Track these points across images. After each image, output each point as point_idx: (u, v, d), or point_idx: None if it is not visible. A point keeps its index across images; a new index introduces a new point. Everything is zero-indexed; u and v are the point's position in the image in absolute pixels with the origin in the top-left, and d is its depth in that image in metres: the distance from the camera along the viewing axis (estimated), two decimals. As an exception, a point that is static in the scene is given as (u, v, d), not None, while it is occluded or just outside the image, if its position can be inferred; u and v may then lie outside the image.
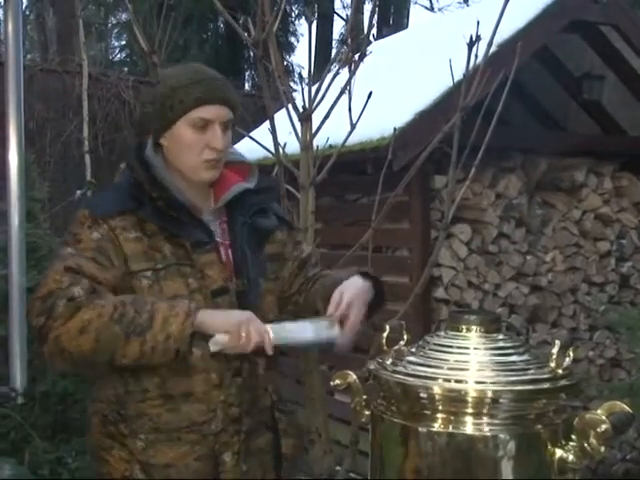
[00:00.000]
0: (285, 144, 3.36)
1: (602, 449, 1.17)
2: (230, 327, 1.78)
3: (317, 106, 3.15)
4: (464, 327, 1.33)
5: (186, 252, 1.93)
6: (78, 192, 5.07)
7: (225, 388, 1.93)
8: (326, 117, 3.20)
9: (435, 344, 1.32)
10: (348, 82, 3.15)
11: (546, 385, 1.24)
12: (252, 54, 2.89)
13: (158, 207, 1.92)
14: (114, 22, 15.91)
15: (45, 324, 1.78)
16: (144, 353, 1.76)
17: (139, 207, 1.91)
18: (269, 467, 2.05)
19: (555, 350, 1.27)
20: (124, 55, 15.55)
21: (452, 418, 1.22)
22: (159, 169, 1.96)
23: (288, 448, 2.08)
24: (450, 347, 1.30)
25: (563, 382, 1.25)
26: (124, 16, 13.93)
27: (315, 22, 14.45)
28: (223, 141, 1.93)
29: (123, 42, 15.61)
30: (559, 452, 1.21)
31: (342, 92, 3.22)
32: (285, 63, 13.73)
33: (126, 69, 13.16)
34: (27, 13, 15.46)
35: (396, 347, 1.39)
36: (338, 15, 15.64)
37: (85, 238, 1.88)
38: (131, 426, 1.91)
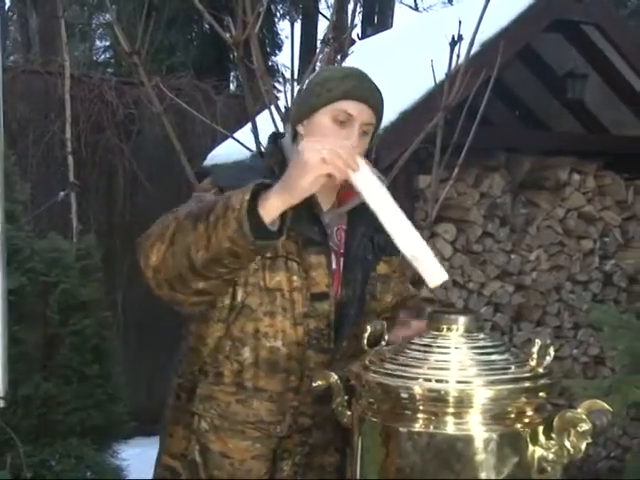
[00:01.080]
0: (268, 144, 3.35)
1: (582, 447, 1.18)
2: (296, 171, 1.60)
3: (300, 106, 3.14)
4: (445, 327, 1.33)
5: (297, 248, 1.87)
6: (61, 193, 5.02)
7: (301, 395, 1.86)
8: (309, 117, 3.18)
9: (416, 343, 1.32)
10: (331, 82, 3.14)
11: (526, 384, 1.24)
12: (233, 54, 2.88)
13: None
14: (98, 23, 15.85)
15: (140, 256, 1.72)
16: (210, 237, 1.61)
17: (263, 188, 1.72)
18: None
19: (535, 349, 1.27)
20: (108, 56, 15.49)
21: (433, 418, 1.23)
22: (291, 156, 1.85)
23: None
24: (431, 347, 1.30)
25: (543, 381, 1.26)
26: (108, 17, 13.88)
27: (300, 22, 14.44)
28: (358, 141, 1.86)
29: (107, 43, 15.55)
30: (539, 451, 1.21)
31: (325, 92, 3.21)
32: (270, 63, 13.72)
33: (110, 70, 13.11)
34: (9, 14, 15.38)
35: (377, 347, 1.39)
36: (322, 15, 15.62)
37: (208, 199, 1.77)
38: (199, 406, 1.88)
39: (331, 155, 1.57)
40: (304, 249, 1.87)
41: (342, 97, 1.86)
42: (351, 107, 1.87)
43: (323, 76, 1.95)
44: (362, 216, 1.89)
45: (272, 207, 1.60)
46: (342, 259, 1.93)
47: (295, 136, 1.95)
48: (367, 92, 1.90)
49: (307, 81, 1.99)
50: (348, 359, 1.83)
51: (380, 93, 1.94)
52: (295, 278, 1.85)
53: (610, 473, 5.24)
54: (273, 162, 1.91)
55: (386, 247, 1.92)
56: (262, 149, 1.99)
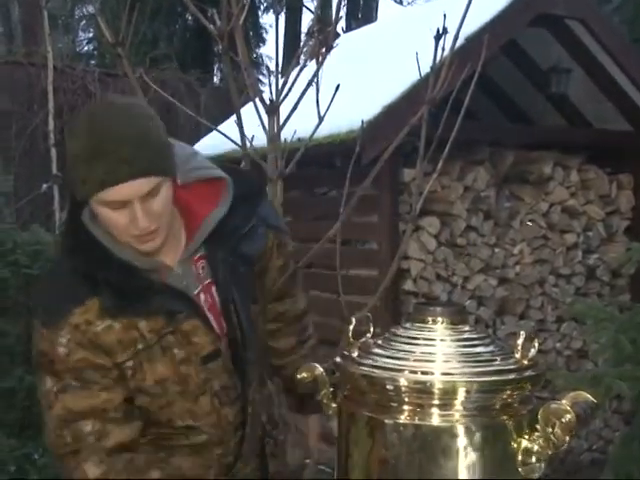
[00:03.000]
0: (253, 137, 3.34)
1: (567, 439, 1.18)
2: None
3: (284, 98, 3.14)
4: (430, 319, 1.33)
5: (164, 321, 1.69)
6: (44, 185, 5.01)
7: (225, 443, 1.80)
8: (293, 109, 3.18)
9: (401, 336, 1.32)
10: (315, 74, 3.14)
11: (511, 376, 1.24)
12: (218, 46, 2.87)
13: (116, 289, 1.64)
14: (81, 14, 15.76)
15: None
16: None
17: (95, 292, 1.63)
18: None
19: (520, 341, 1.27)
20: (92, 48, 15.40)
21: (418, 410, 1.22)
22: (103, 239, 1.66)
23: (274, 468, 1.99)
24: (416, 339, 1.30)
25: (528, 373, 1.26)
26: (91, 8, 13.79)
27: (284, 15, 14.41)
28: (147, 219, 1.59)
29: (90, 34, 15.46)
30: (524, 442, 1.21)
31: (309, 84, 3.20)
32: (255, 56, 13.68)
33: (93, 62, 13.03)
34: (-9, 4, 15.27)
35: (362, 339, 1.39)
36: (307, 8, 15.60)
37: (57, 358, 1.64)
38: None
39: None
40: (172, 321, 1.69)
41: (100, 188, 1.54)
42: (115, 194, 1.55)
43: (73, 155, 1.57)
44: (217, 238, 1.74)
45: None
46: (214, 287, 1.77)
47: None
48: (126, 169, 1.53)
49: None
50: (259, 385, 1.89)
51: (141, 143, 1.55)
52: (176, 351, 1.70)
53: (592, 465, 5.28)
54: (86, 263, 1.66)
55: (255, 254, 1.82)
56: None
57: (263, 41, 14.96)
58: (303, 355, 2.08)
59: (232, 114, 4.35)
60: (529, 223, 5.34)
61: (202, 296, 1.77)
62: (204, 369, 1.73)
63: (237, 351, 1.80)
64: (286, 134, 3.24)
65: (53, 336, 1.64)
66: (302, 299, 2.14)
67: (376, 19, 15.78)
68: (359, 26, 8.03)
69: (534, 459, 1.21)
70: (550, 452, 1.20)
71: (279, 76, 3.23)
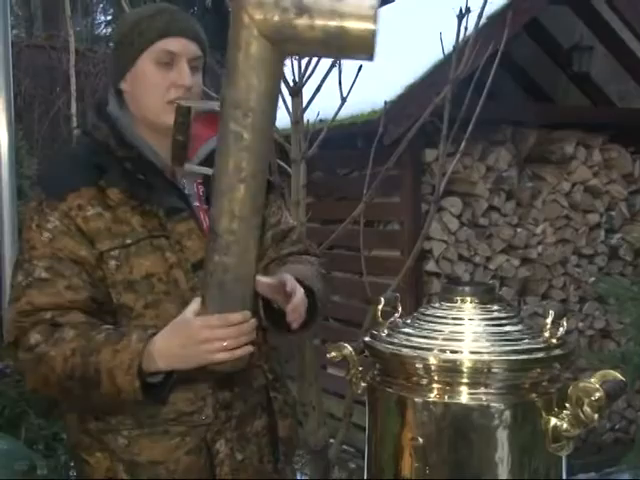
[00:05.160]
0: (275, 119, 3.35)
1: (596, 417, 1.19)
2: (192, 358, 1.57)
3: (307, 80, 3.14)
4: (458, 298, 1.34)
5: (159, 222, 1.71)
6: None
7: (209, 375, 1.69)
8: (316, 91, 3.18)
9: (430, 315, 1.33)
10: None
11: (540, 355, 1.25)
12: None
13: (125, 169, 1.71)
14: (100, -4, 15.76)
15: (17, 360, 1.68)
16: (110, 404, 1.63)
17: (102, 173, 1.69)
18: (266, 452, 1.86)
19: (549, 320, 1.28)
20: (110, 30, 15.41)
21: (447, 388, 1.24)
22: (125, 123, 1.76)
23: (284, 430, 1.90)
24: (445, 318, 1.31)
25: (557, 351, 1.27)
26: (110, -10, 13.79)
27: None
28: (191, 79, 1.72)
29: (109, 17, 15.46)
30: (553, 420, 1.22)
31: (332, 66, 3.21)
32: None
33: (112, 44, 13.05)
34: (11, -12, 15.32)
35: (391, 319, 1.40)
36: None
37: (39, 244, 1.67)
38: (110, 422, 1.72)
39: (233, 343, 1.52)
40: (168, 220, 1.73)
41: (159, 36, 1.71)
42: (172, 44, 1.71)
43: (131, 20, 1.75)
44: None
45: (153, 364, 1.56)
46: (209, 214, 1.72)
47: (121, 97, 1.79)
48: (184, 24, 1.74)
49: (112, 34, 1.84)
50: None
51: (193, 19, 1.80)
52: (169, 254, 1.71)
53: (615, 445, 5.28)
54: (104, 136, 1.74)
55: None
56: (89, 125, 1.80)
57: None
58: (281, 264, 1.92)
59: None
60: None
61: (201, 216, 1.79)
62: (194, 277, 1.71)
63: None
64: (309, 115, 3.25)
65: (42, 221, 1.68)
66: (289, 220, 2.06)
67: (395, -1, 15.66)
68: (380, 5, 7.98)
69: (563, 437, 1.22)
70: (579, 430, 1.21)
71: (301, 57, 3.23)
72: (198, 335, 1.52)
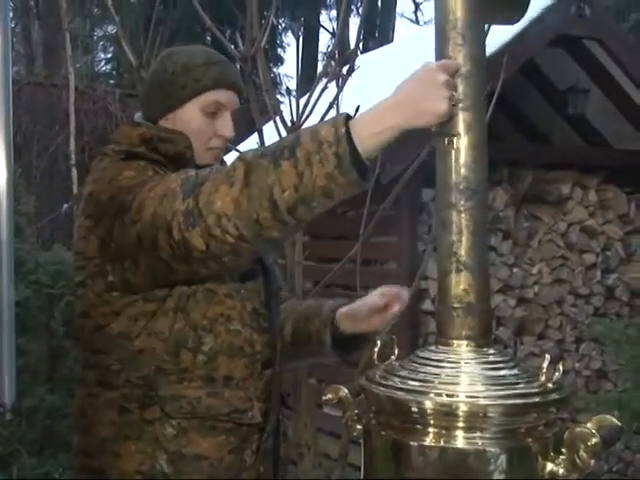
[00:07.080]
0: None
1: (592, 462, 1.18)
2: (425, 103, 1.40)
3: (306, 119, 3.17)
4: (455, 342, 1.33)
5: None
6: (65, 206, 5.05)
7: (259, 379, 1.74)
8: (314, 131, 3.20)
9: (426, 358, 1.33)
10: (336, 96, 3.16)
11: (536, 399, 1.25)
12: (240, 68, 2.90)
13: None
14: (100, 34, 15.91)
15: (193, 202, 1.49)
16: (302, 174, 1.41)
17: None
18: (270, 471, 1.83)
19: (545, 364, 1.28)
20: (110, 68, 15.54)
21: (443, 432, 1.23)
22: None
23: (284, 451, 1.92)
24: (441, 361, 1.30)
25: (553, 396, 1.26)
26: (110, 28, 13.92)
27: (301, 34, 14.49)
28: (232, 130, 1.79)
29: (109, 55, 15.60)
30: (549, 465, 1.21)
31: (330, 106, 3.24)
32: (272, 75, 13.75)
33: (112, 82, 13.13)
34: (13, 25, 15.44)
35: (387, 362, 1.39)
36: (324, 28, 15.70)
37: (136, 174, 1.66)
38: (164, 409, 1.67)
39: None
40: None
41: (213, 87, 1.75)
42: (222, 96, 1.76)
43: (182, 63, 1.76)
44: None
45: (377, 137, 1.41)
46: None
47: None
48: (234, 78, 1.80)
49: (157, 68, 1.81)
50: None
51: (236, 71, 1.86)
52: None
53: (612, 487, 5.23)
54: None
55: None
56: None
57: (281, 61, 15.03)
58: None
59: (252, 133, 4.38)
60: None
61: None
62: (242, 286, 1.73)
63: (267, 279, 1.82)
64: (306, 155, 3.26)
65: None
66: None
67: (393, 39, 15.84)
68: (376, 46, 8.07)
69: (559, 482, 1.21)
70: (575, 475, 1.21)
71: (299, 97, 3.26)
72: (438, 77, 1.40)
